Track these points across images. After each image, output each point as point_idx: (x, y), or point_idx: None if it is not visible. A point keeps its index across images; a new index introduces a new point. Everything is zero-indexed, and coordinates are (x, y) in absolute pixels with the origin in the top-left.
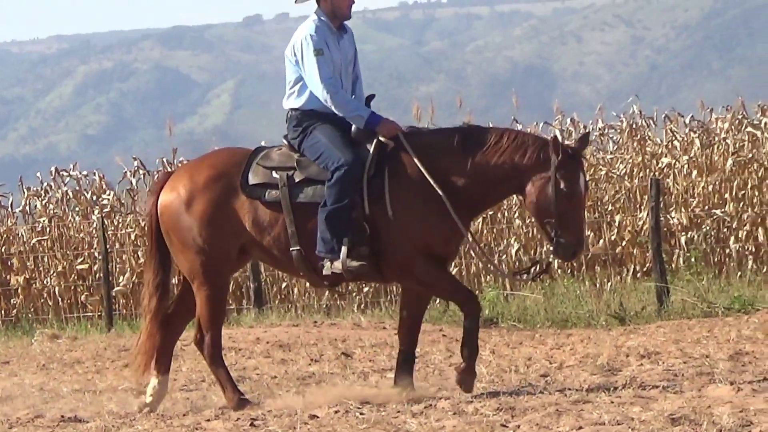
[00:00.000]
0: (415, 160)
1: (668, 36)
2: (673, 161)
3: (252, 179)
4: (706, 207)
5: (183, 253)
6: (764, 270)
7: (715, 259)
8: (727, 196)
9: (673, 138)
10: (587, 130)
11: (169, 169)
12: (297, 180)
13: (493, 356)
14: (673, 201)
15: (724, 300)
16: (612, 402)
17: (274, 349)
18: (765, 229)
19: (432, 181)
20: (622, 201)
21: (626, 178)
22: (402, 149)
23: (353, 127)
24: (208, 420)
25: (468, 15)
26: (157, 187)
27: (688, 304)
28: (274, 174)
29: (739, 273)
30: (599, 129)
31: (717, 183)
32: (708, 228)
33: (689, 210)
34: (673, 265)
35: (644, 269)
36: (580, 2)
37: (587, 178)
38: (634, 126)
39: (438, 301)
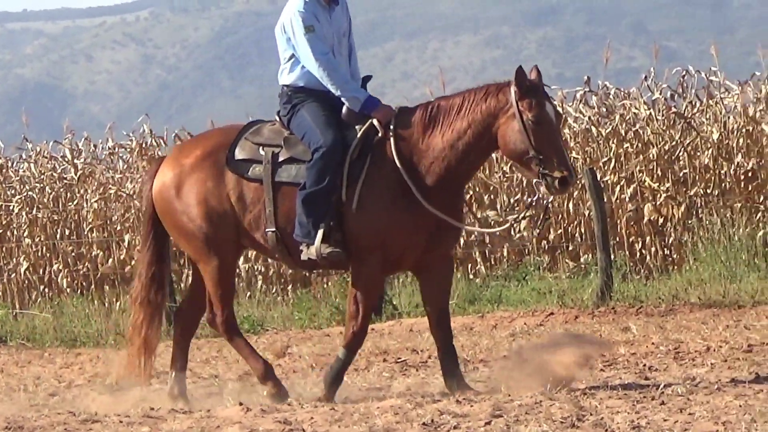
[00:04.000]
0: (392, 146)
1: (179, 55)
2: None
3: (238, 154)
4: None
5: (182, 237)
6: (273, 291)
7: None
8: None
9: None
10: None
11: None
12: (281, 158)
13: (2, 375)
14: None
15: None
16: (121, 422)
17: None
18: None
19: (402, 169)
20: (131, 221)
21: (135, 197)
22: (388, 134)
23: (344, 108)
24: None
25: None
26: (152, 173)
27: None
28: (261, 150)
29: (249, 293)
30: (110, 148)
31: None
32: None
33: None
34: (182, 285)
35: None
36: (90, 21)
37: (556, 107)
38: (144, 145)
39: None
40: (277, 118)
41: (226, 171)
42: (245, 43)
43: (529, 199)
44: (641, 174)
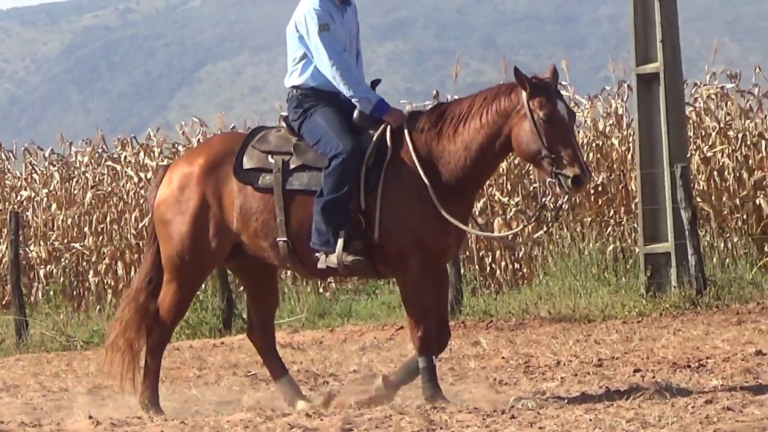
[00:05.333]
0: (410, 149)
1: (28, 69)
2: (33, 194)
3: (246, 163)
4: (66, 240)
5: (167, 246)
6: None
7: (74, 293)
8: (86, 229)
9: (33, 171)
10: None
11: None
12: (293, 166)
13: None
14: (32, 234)
15: (83, 334)
16: None
17: None
18: (124, 263)
19: (421, 172)
20: None
21: None
22: (403, 137)
23: (356, 111)
24: None
25: None
26: (157, 181)
27: (47, 337)
28: (270, 158)
29: (99, 306)
30: None
31: (76, 216)
32: (67, 261)
33: (48, 243)
34: (32, 299)
35: (3, 302)
36: None
37: (568, 106)
38: None
39: None
40: (284, 124)
41: (231, 181)
42: (94, 57)
43: (543, 200)
44: (491, 188)
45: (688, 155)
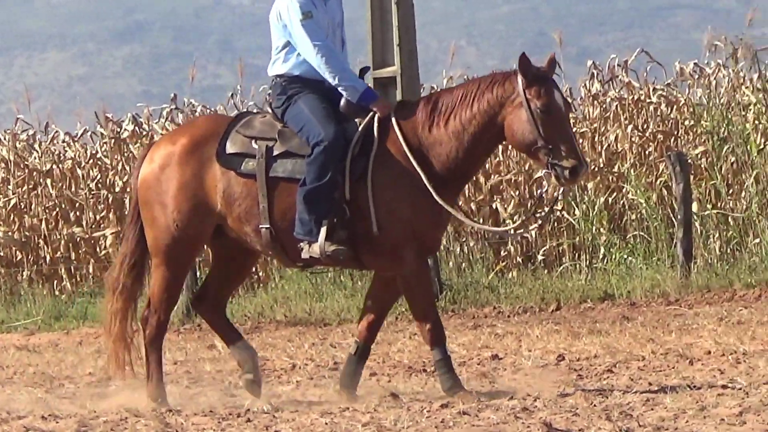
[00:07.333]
0: (400, 139)
1: None
2: None
3: (230, 148)
4: None
5: (152, 228)
6: None
7: None
8: None
9: None
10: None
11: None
12: (276, 152)
13: None
14: None
15: None
16: None
17: None
18: None
19: (414, 162)
20: None
21: None
22: (390, 127)
23: (342, 100)
24: None
25: None
26: (140, 159)
27: None
28: (254, 144)
29: None
30: None
31: None
32: None
33: None
34: None
35: None
36: None
37: (563, 96)
38: None
39: None
40: (269, 110)
41: (215, 164)
42: None
43: (539, 191)
44: None
45: None
